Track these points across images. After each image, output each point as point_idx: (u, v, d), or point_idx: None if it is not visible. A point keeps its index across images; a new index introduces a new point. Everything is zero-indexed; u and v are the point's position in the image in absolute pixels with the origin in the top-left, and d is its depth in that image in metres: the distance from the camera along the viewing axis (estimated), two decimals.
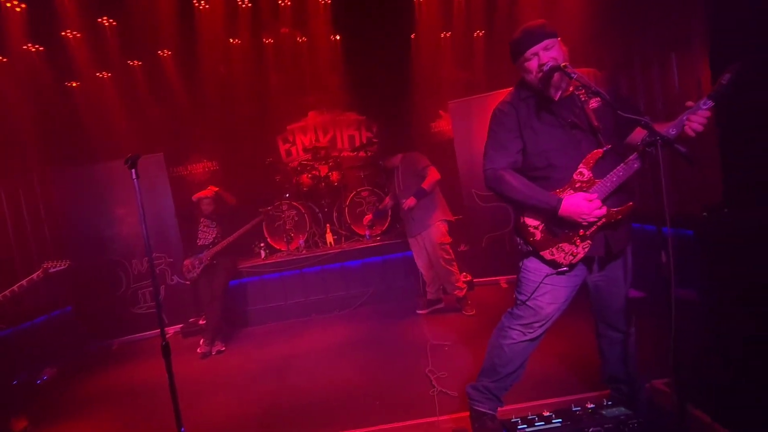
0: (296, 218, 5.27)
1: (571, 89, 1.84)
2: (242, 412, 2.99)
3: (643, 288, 3.45)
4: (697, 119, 1.60)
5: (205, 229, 4.46)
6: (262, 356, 3.93)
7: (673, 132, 1.62)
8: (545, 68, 1.74)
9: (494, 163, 1.91)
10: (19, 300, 3.18)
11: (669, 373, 1.78)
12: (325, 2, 5.53)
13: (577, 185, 1.82)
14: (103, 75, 5.49)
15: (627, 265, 1.93)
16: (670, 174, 3.40)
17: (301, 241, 5.13)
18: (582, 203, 1.75)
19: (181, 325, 4.95)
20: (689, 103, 1.63)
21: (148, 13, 4.98)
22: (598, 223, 1.80)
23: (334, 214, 5.51)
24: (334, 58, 5.98)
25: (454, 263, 4.11)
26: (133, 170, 2.04)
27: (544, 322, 1.96)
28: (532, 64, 1.80)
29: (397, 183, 4.20)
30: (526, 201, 1.85)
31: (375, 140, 6.08)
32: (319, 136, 6.55)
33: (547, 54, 1.76)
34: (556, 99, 1.84)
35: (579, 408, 1.89)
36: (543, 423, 1.85)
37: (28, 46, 4.75)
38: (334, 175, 5.58)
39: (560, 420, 1.85)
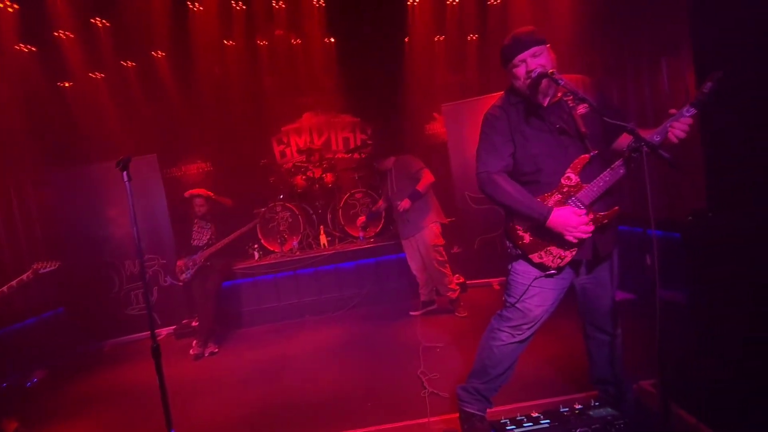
0: (290, 220, 5.28)
1: (559, 95, 1.88)
2: (234, 414, 2.99)
3: (632, 290, 3.49)
4: (680, 126, 1.64)
5: (199, 230, 4.45)
6: (255, 357, 3.93)
7: (657, 138, 1.65)
8: (533, 75, 1.77)
9: (488, 166, 1.93)
10: (9, 301, 3.16)
11: (656, 374, 1.81)
12: (320, 5, 5.55)
13: (564, 190, 1.85)
14: (97, 75, 5.47)
15: (614, 267, 1.96)
16: (661, 179, 3.45)
17: (295, 243, 5.14)
18: (571, 217, 1.76)
19: (174, 327, 4.94)
20: (672, 111, 1.67)
21: (141, 14, 4.97)
22: None
23: (328, 216, 5.52)
24: (329, 61, 6.00)
25: (447, 265, 4.13)
26: (125, 173, 2.05)
27: (532, 324, 1.99)
28: (521, 71, 1.83)
29: (390, 185, 4.22)
30: (517, 207, 1.86)
31: (369, 142, 6.09)
32: (313, 138, 6.56)
33: (535, 61, 1.79)
34: (545, 105, 1.87)
35: (567, 409, 1.92)
36: (531, 424, 1.88)
37: (20, 47, 4.72)
38: (328, 177, 5.59)
39: (548, 421, 1.88)
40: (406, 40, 5.99)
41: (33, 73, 4.83)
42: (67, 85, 5.36)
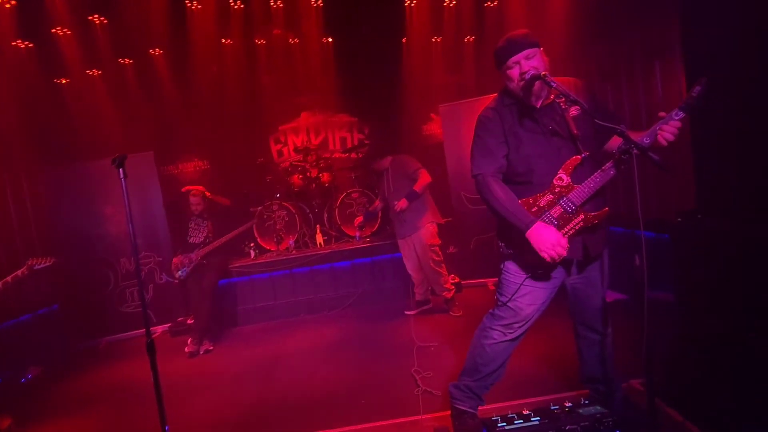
0: (286, 218, 5.29)
1: (552, 97, 1.91)
2: (229, 411, 3.00)
3: (625, 290, 3.53)
4: (669, 129, 1.67)
5: (195, 227, 4.46)
6: (250, 356, 3.94)
7: (646, 141, 1.68)
8: (526, 77, 1.80)
9: (482, 168, 1.96)
10: (4, 297, 3.16)
11: (644, 373, 1.84)
12: (317, 5, 5.56)
13: (556, 190, 1.87)
14: (94, 72, 5.46)
15: (604, 267, 2.00)
16: (651, 180, 3.49)
17: (291, 242, 5.15)
18: (550, 235, 1.76)
19: (169, 324, 4.94)
20: (662, 114, 1.70)
21: (139, 12, 4.96)
22: (577, 227, 1.86)
23: (325, 215, 5.54)
24: (326, 61, 6.02)
25: (443, 265, 4.16)
26: (121, 170, 2.06)
27: (523, 322, 2.02)
28: (514, 72, 1.86)
29: (387, 185, 4.24)
30: (503, 213, 1.87)
31: (367, 142, 6.11)
32: (311, 137, 6.57)
33: (528, 63, 1.82)
34: (538, 107, 1.90)
35: (557, 407, 1.94)
36: (522, 421, 1.90)
37: (17, 43, 4.71)
38: (325, 176, 5.61)
39: (539, 418, 1.90)
40: (404, 40, 6.02)
41: (30, 69, 4.82)
42: (64, 81, 5.35)
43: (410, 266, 4.31)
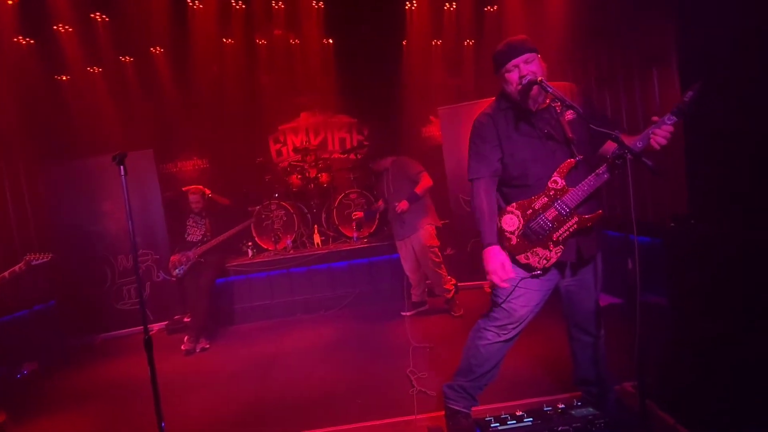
0: (284, 218, 5.31)
1: (547, 101, 1.93)
2: (225, 410, 3.01)
3: (619, 294, 3.55)
4: (661, 133, 1.69)
5: (194, 225, 4.47)
6: (247, 354, 3.95)
7: (639, 145, 1.71)
8: (524, 81, 1.82)
9: (477, 173, 2.00)
10: (1, 293, 3.17)
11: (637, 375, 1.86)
12: (318, 6, 5.60)
13: (551, 193, 1.90)
14: (94, 70, 5.48)
15: (597, 270, 2.02)
16: (645, 184, 3.51)
17: (289, 241, 5.17)
18: (498, 262, 1.90)
19: (166, 322, 4.95)
20: (654, 118, 1.72)
21: (141, 11, 4.99)
22: (571, 230, 1.88)
23: (323, 215, 5.56)
24: (327, 61, 6.05)
25: (443, 266, 4.18)
26: (121, 167, 2.07)
27: (517, 324, 2.04)
28: (513, 76, 1.88)
29: (387, 186, 4.26)
30: (478, 223, 2.01)
31: (366, 143, 6.14)
32: (310, 138, 6.59)
33: (527, 67, 1.84)
34: (534, 110, 1.93)
35: (550, 408, 1.96)
36: (515, 422, 1.92)
37: (18, 39, 4.73)
38: (324, 177, 5.63)
39: (531, 419, 1.92)
40: (404, 43, 6.05)
41: (30, 66, 4.83)
42: (64, 78, 5.36)
43: (408, 267, 4.33)
